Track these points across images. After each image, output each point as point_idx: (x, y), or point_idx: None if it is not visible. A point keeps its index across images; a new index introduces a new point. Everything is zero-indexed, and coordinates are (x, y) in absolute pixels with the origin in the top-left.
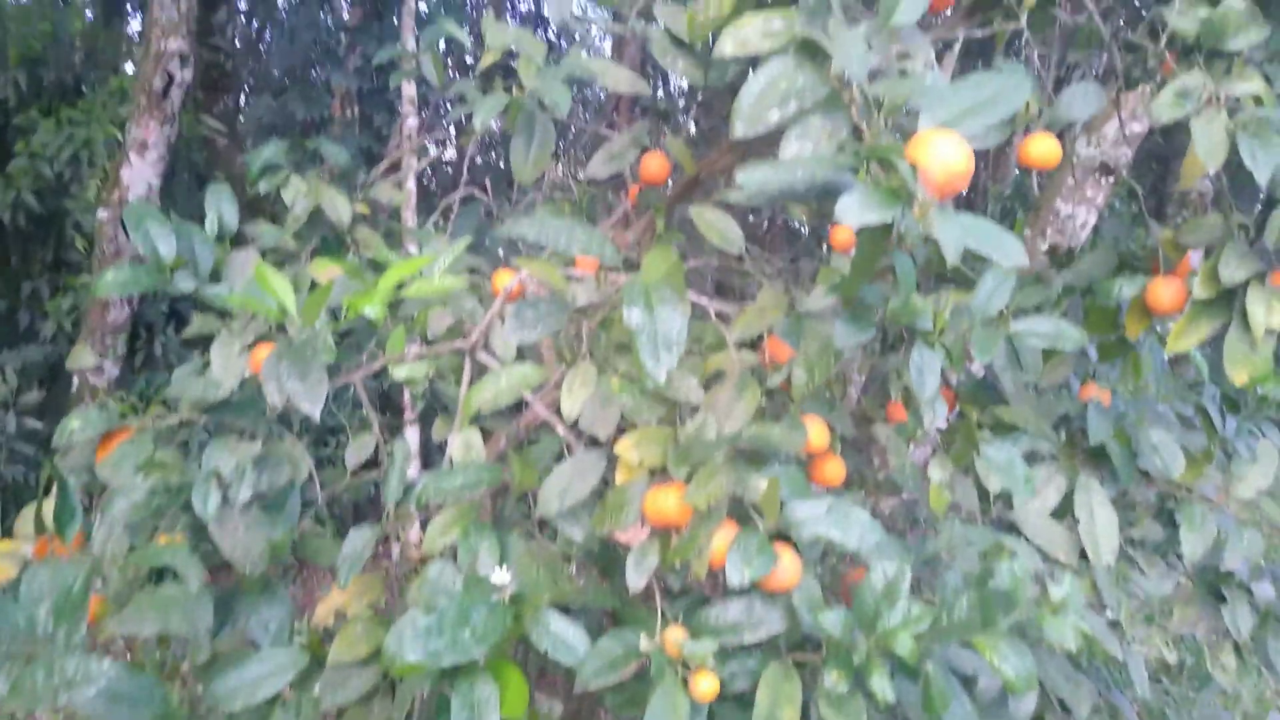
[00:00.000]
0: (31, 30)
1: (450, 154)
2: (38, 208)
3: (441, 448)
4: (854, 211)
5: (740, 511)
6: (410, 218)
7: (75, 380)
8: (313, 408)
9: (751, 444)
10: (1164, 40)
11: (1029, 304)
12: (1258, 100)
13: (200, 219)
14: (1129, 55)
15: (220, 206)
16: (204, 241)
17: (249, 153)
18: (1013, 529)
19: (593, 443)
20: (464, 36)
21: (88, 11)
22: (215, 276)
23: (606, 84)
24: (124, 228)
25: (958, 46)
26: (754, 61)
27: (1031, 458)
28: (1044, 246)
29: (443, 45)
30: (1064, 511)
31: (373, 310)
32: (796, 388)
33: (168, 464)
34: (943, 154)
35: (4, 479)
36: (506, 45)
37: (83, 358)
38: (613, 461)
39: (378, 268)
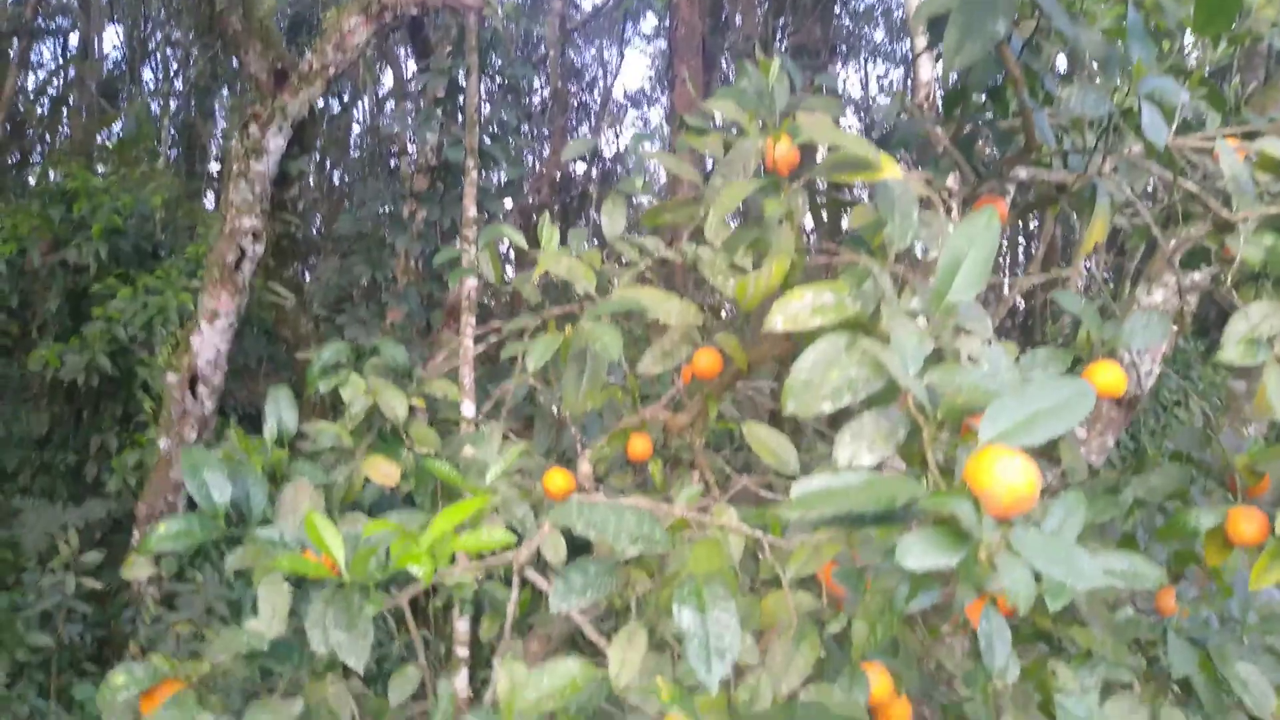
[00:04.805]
0: (115, 204)
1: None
2: (111, 369)
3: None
4: (915, 555)
5: None
6: (468, 376)
7: (135, 534)
8: (357, 661)
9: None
10: (1232, 273)
11: (1101, 519)
12: None
13: (263, 373)
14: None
15: (280, 411)
16: (257, 483)
17: (314, 309)
18: None
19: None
20: (520, 239)
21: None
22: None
23: (656, 315)
24: (191, 391)
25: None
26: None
27: (1109, 688)
28: None
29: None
30: None
31: (418, 569)
32: (856, 644)
33: None
34: (1007, 478)
35: (62, 639)
36: (557, 271)
37: (137, 568)
38: None
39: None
